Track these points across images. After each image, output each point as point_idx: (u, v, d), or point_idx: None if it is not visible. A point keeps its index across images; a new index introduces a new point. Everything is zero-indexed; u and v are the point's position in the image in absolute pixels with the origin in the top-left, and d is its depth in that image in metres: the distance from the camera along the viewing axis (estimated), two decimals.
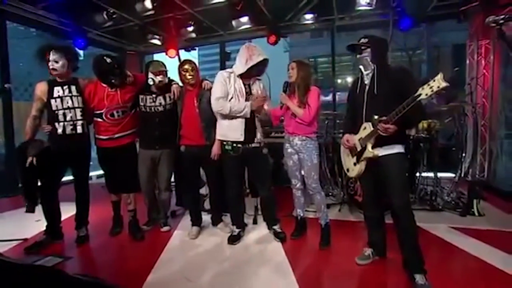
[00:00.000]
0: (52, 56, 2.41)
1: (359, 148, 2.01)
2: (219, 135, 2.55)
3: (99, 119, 2.61)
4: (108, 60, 2.53)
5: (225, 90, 2.45)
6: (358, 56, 2.01)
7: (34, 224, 3.02)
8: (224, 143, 2.52)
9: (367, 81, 2.00)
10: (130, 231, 2.79)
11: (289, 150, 2.55)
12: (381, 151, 1.92)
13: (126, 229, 2.84)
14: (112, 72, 2.52)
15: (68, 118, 2.48)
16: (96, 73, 2.57)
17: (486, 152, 4.62)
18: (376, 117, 1.85)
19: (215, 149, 2.58)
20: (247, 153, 2.53)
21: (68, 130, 2.48)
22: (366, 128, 1.94)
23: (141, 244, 2.65)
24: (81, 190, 2.71)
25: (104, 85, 2.58)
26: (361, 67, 2.02)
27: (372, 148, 1.93)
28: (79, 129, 2.52)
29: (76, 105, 2.51)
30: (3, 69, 4.57)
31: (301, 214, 2.70)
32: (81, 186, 2.71)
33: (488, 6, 4.21)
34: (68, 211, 2.81)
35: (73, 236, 2.66)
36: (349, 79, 13.46)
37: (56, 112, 2.47)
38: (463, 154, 3.95)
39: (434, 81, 1.60)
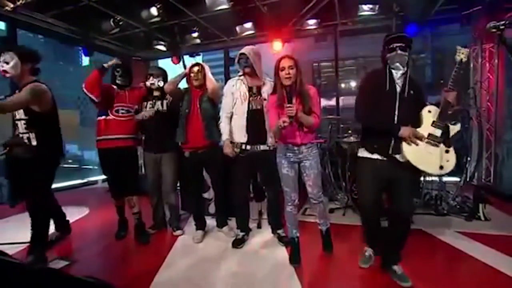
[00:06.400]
0: (2, 57, 2.09)
1: (439, 133, 1.88)
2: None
3: (103, 117, 2.67)
4: (119, 62, 2.74)
5: (230, 101, 2.56)
6: (400, 52, 1.87)
7: None
8: (233, 144, 2.55)
9: (399, 81, 1.92)
10: (135, 235, 2.80)
11: (292, 159, 2.25)
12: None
13: (132, 233, 2.86)
14: (119, 71, 2.74)
15: (19, 130, 2.16)
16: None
17: (492, 156, 4.58)
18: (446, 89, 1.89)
19: (226, 149, 2.52)
20: (256, 156, 2.53)
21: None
22: (432, 111, 1.89)
23: (146, 247, 2.67)
24: (33, 211, 2.22)
25: (114, 86, 2.76)
26: (398, 64, 1.89)
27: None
28: (27, 142, 2.16)
29: (18, 117, 2.14)
30: None
31: (298, 234, 2.35)
32: (35, 207, 2.22)
33: (492, 10, 4.21)
34: (74, 214, 2.84)
35: (78, 240, 2.69)
36: (353, 84, 13.41)
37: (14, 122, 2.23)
38: (468, 158, 3.92)
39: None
